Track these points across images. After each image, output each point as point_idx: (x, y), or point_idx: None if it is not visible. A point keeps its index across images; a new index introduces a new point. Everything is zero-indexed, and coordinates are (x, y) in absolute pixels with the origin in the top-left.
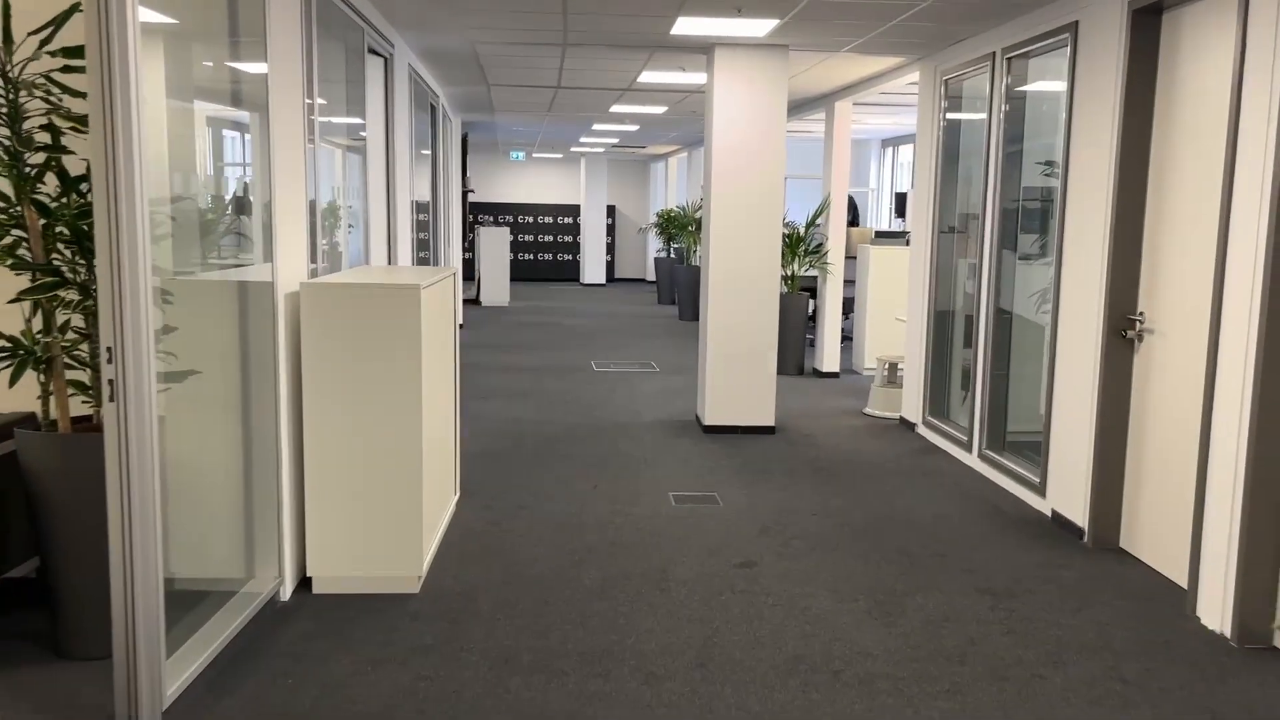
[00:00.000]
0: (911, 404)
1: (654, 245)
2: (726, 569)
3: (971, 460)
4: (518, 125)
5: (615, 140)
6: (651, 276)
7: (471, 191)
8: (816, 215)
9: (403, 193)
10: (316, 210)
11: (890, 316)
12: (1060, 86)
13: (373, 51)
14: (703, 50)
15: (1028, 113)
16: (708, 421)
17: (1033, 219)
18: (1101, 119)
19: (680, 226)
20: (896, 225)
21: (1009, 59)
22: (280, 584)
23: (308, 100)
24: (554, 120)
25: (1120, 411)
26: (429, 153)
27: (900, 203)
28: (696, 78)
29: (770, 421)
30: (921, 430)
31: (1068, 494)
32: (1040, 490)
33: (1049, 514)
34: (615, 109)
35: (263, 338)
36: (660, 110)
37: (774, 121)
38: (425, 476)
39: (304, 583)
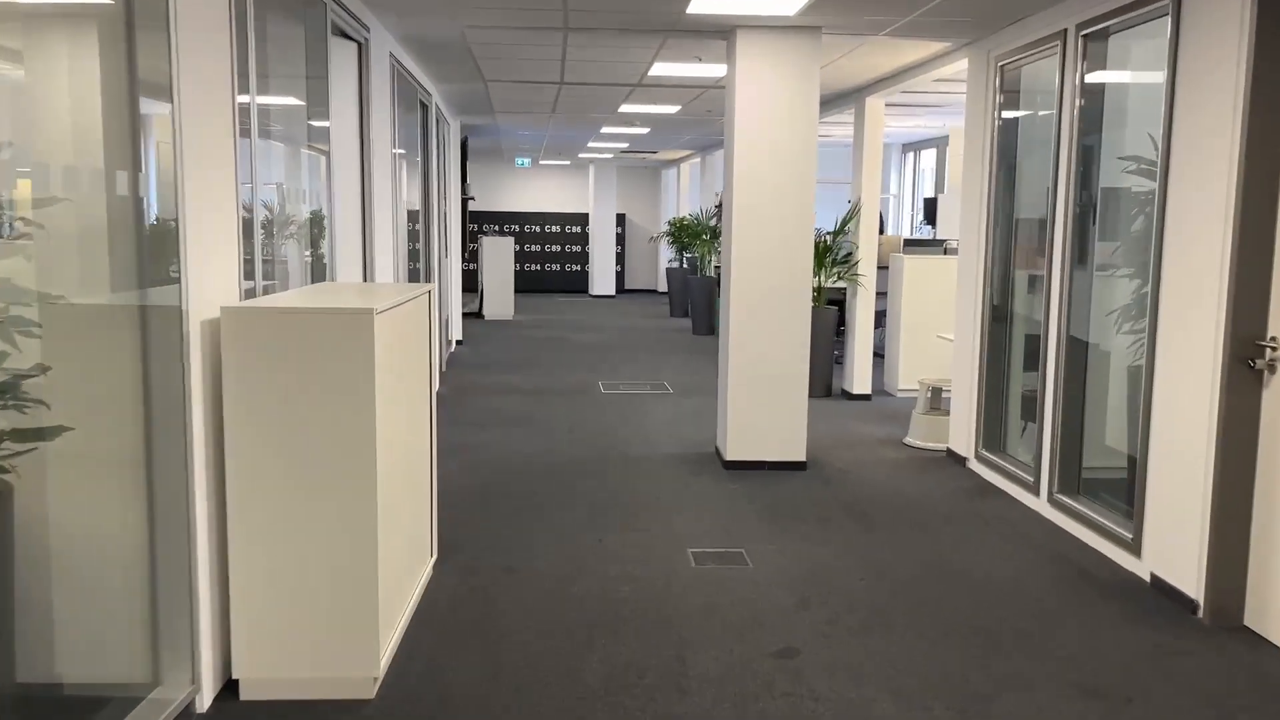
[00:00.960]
0: (961, 435)
1: (665, 255)
2: (760, 658)
3: (1039, 505)
4: (522, 129)
5: (625, 145)
6: (663, 288)
7: (472, 199)
8: (846, 221)
9: (382, 199)
10: (257, 217)
11: (926, 332)
12: (1153, 68)
13: (342, 34)
14: (722, 35)
15: (1107, 100)
16: (730, 456)
17: (1113, 224)
18: (1217, 106)
19: (694, 235)
20: (924, 233)
21: (1085, 36)
22: (197, 690)
23: (238, 85)
24: (559, 123)
25: (1246, 456)
26: (420, 156)
27: (929, 209)
28: (714, 70)
29: (801, 456)
30: (974, 466)
31: (1172, 555)
32: (1133, 548)
33: (1147, 578)
34: (624, 108)
35: (170, 377)
36: (673, 110)
37: (805, 116)
38: (385, 546)
39: (229, 686)
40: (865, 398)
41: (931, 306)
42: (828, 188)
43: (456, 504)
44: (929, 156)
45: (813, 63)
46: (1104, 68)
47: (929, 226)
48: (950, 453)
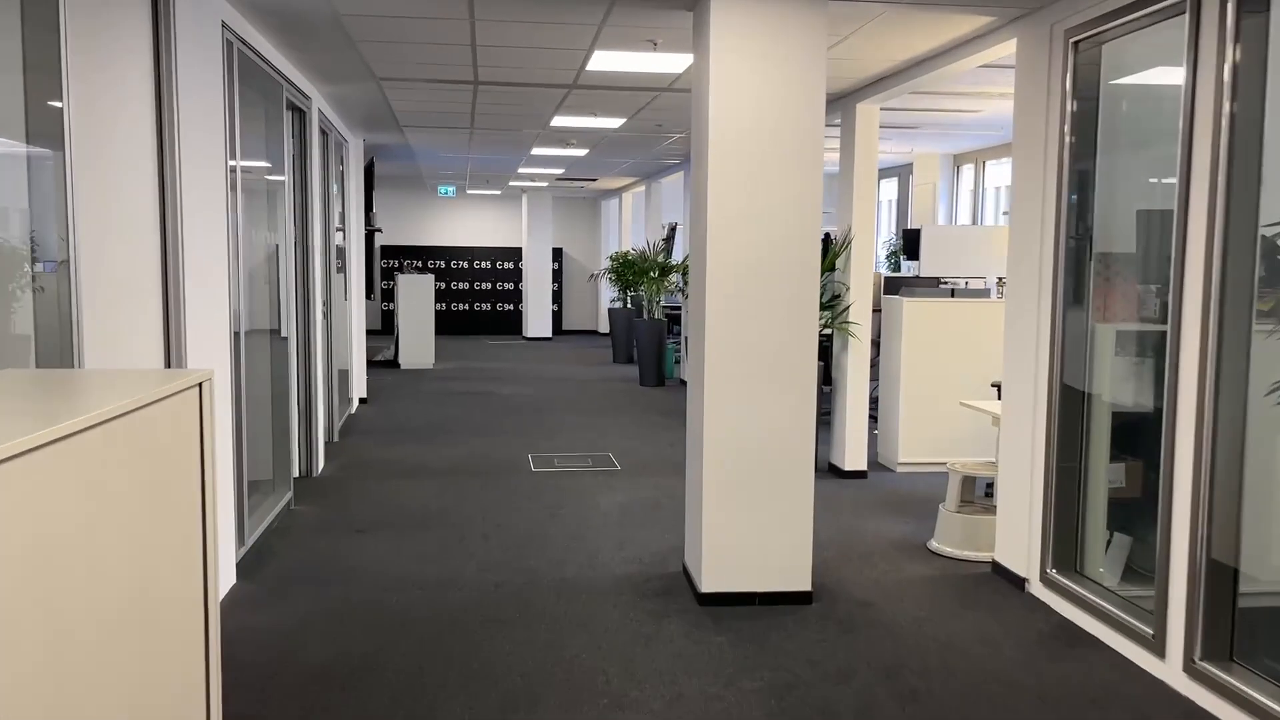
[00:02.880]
0: (1015, 545)
1: (608, 294)
2: None
3: (1166, 671)
4: (441, 151)
5: (560, 170)
6: (605, 329)
7: (378, 231)
8: (835, 255)
9: (208, 228)
10: None
11: (933, 393)
12: None
13: None
14: (688, 3)
15: (1272, 81)
16: (706, 586)
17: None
18: None
19: (640, 273)
20: (906, 269)
21: None
22: None
23: None
24: (483, 144)
25: None
26: (293, 175)
27: (910, 242)
28: (672, 62)
29: (806, 584)
30: (1040, 592)
31: None
32: None
33: None
34: (558, 120)
35: None
36: (616, 124)
37: (806, 116)
38: None
39: None
40: (860, 475)
41: (939, 361)
42: None
43: (284, 697)
44: (889, 187)
45: (817, 41)
46: (1264, 40)
47: (911, 262)
48: (998, 568)
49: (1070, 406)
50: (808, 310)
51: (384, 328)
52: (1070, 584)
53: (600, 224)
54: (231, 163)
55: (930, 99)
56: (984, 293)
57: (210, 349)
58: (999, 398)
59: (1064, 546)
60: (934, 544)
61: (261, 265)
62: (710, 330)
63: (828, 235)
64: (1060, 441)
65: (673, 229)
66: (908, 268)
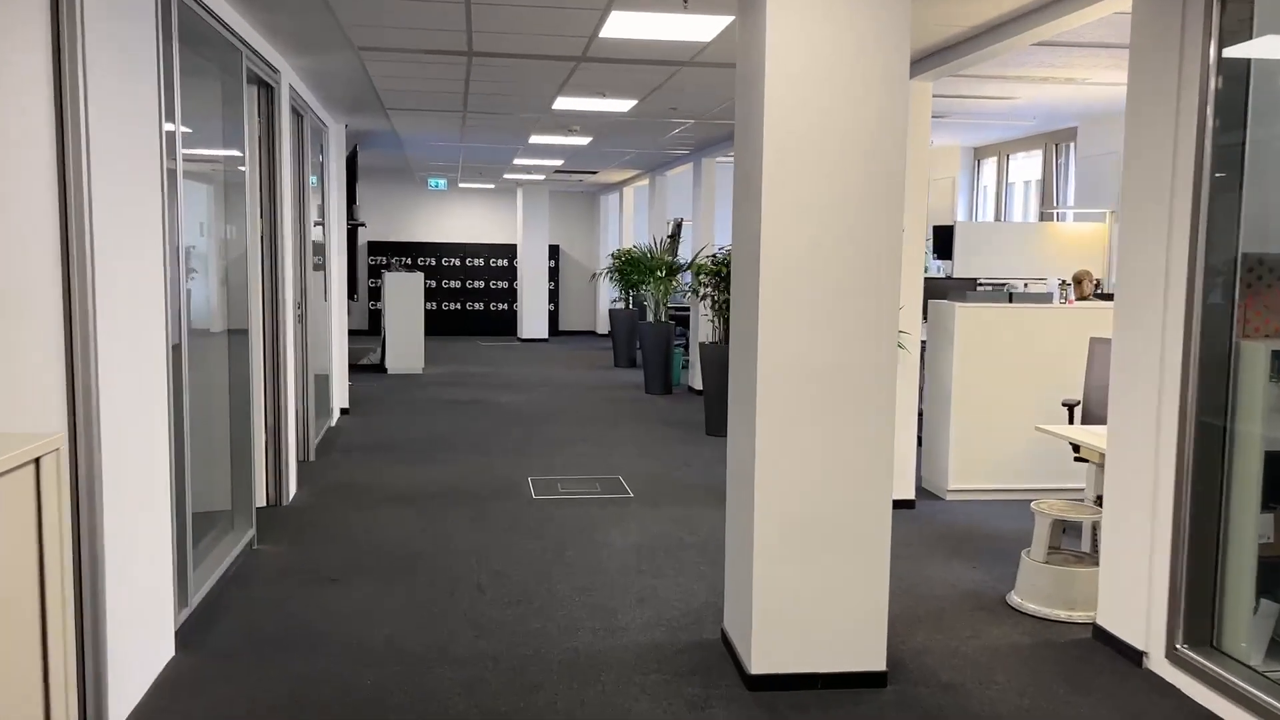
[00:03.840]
0: (1127, 608)
1: (607, 293)
2: None
3: None
4: (431, 139)
5: (560, 162)
6: (603, 329)
7: (362, 225)
8: None
9: (111, 219)
10: None
11: (990, 412)
12: None
13: None
14: None
15: None
16: (758, 666)
17: None
18: None
19: (646, 272)
20: (933, 269)
21: None
22: None
23: None
24: (476, 130)
25: None
26: (259, 159)
27: (942, 240)
28: (701, 27)
29: (880, 662)
30: (1165, 670)
31: None
32: None
33: None
34: (561, 103)
35: None
36: (627, 106)
37: (888, 81)
38: None
39: None
40: (908, 505)
41: (997, 375)
42: None
43: None
44: None
45: None
46: None
47: (940, 262)
48: (1103, 634)
49: (1207, 442)
50: (886, 321)
51: (371, 328)
52: (1208, 663)
53: (599, 220)
54: (173, 145)
55: (972, 84)
56: (1046, 297)
57: (134, 367)
58: (1070, 420)
59: (1198, 615)
60: (1015, 599)
61: (220, 262)
62: (764, 346)
63: None
64: (1194, 485)
65: (678, 225)
66: (936, 267)
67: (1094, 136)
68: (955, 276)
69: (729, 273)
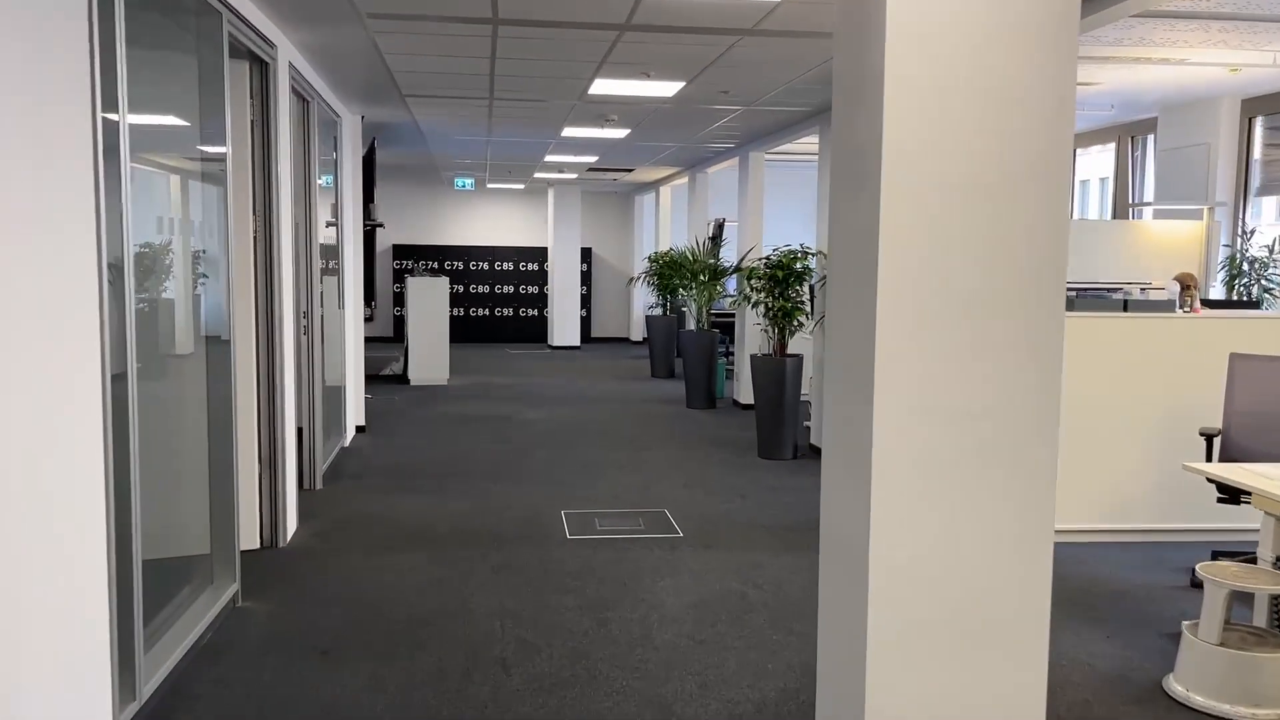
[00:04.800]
0: None
1: (642, 299)
2: None
3: None
4: (454, 133)
5: (594, 159)
6: (637, 335)
7: (380, 226)
8: None
9: (10, 225)
10: None
11: (1098, 438)
12: None
13: None
14: None
15: None
16: None
17: None
18: None
19: (689, 275)
20: None
21: None
22: None
23: None
24: (504, 123)
25: None
26: (250, 147)
27: None
28: None
29: None
30: None
31: None
32: None
33: None
34: (599, 86)
35: None
36: (671, 90)
37: (1049, 33)
38: None
39: None
40: None
41: (1113, 399)
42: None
43: None
44: None
45: None
46: None
47: None
48: None
49: None
50: (1048, 348)
51: (396, 335)
52: None
53: (633, 222)
54: (115, 134)
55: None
56: (1167, 305)
57: (49, 409)
58: (1208, 455)
59: None
60: (1178, 687)
61: (189, 268)
62: (883, 380)
63: None
64: None
65: (720, 225)
66: None
67: (1176, 127)
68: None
69: (785, 276)
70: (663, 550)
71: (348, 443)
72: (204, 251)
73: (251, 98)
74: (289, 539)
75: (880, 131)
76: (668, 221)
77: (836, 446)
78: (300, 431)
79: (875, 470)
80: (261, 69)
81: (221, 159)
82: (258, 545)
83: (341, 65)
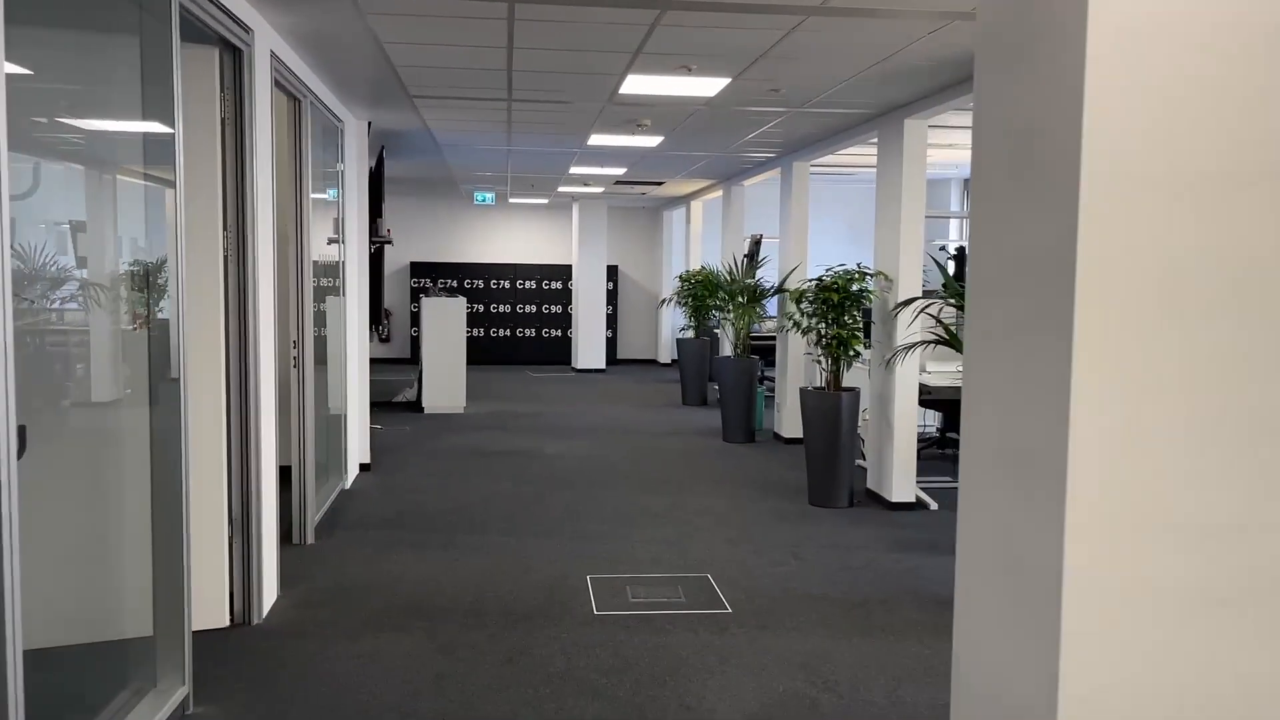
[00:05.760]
0: None
1: (671, 320)
2: None
3: None
4: (474, 141)
5: (622, 170)
6: (665, 358)
7: (388, 243)
8: None
9: None
10: None
11: None
12: None
13: None
14: None
15: None
16: None
17: None
18: None
19: (729, 296)
20: None
21: None
22: None
23: None
24: (526, 129)
25: None
26: (219, 143)
27: None
28: None
29: None
30: None
31: None
32: None
33: None
34: (631, 84)
35: None
36: (714, 89)
37: None
38: None
39: None
40: None
41: None
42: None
43: None
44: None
45: None
46: None
47: None
48: None
49: None
50: None
51: (414, 356)
52: None
53: (662, 238)
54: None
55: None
56: None
57: None
58: None
59: None
60: None
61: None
62: (1082, 476)
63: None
64: None
65: (757, 242)
66: None
67: None
68: None
69: (842, 300)
70: (709, 632)
71: (349, 484)
72: (148, 271)
73: (223, 90)
74: (265, 613)
75: (1079, 99)
76: (698, 238)
77: (986, 569)
78: (289, 475)
79: (1067, 615)
80: (235, 57)
81: (169, 160)
82: (227, 622)
83: (337, 58)
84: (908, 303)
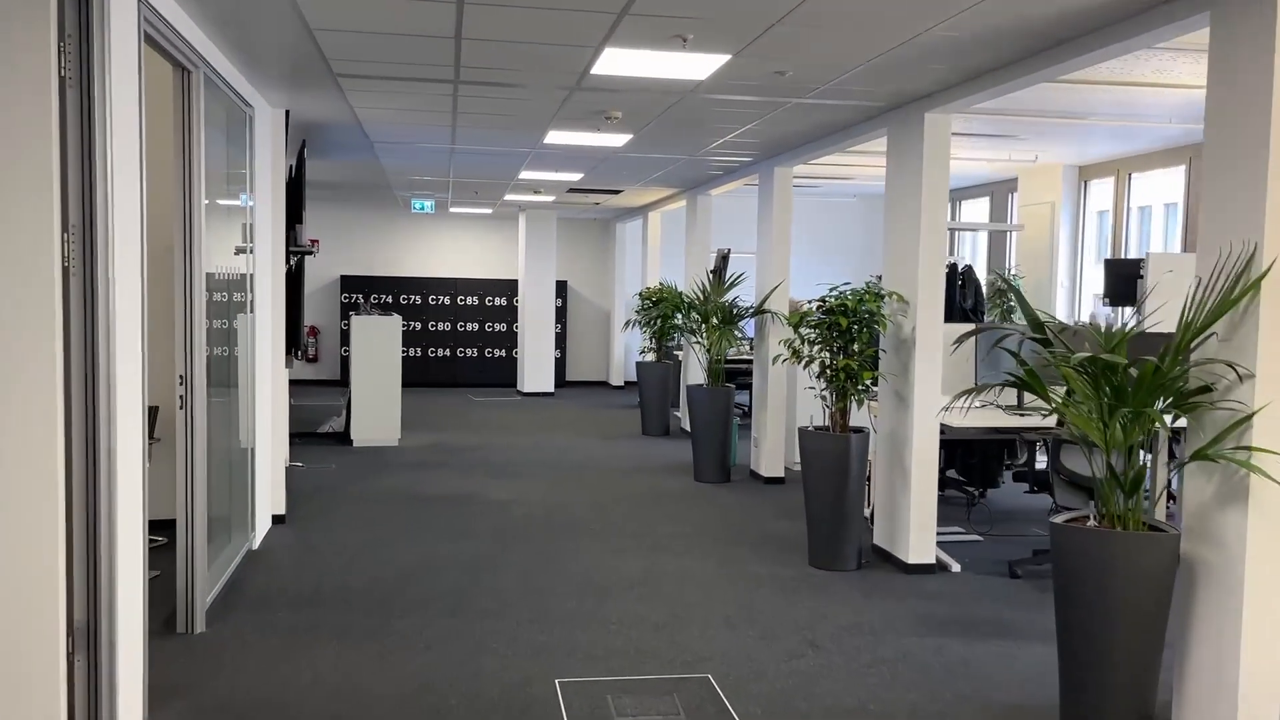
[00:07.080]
0: None
1: (624, 339)
2: None
3: None
4: (412, 137)
5: (578, 176)
6: (617, 380)
7: (309, 253)
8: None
9: None
10: None
11: None
12: None
13: None
14: None
15: None
16: None
17: None
18: None
19: (701, 317)
20: (1103, 314)
21: None
22: None
23: None
24: (473, 122)
25: None
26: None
27: (1120, 280)
28: None
29: None
30: None
31: None
32: None
33: None
34: (608, 61)
35: None
36: (711, 67)
37: None
38: None
39: None
40: None
41: None
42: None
43: None
44: (977, 208)
45: None
46: None
47: (1116, 307)
48: None
49: None
50: None
51: (344, 378)
52: None
53: (614, 252)
54: None
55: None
56: None
57: None
58: None
59: None
60: None
61: None
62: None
63: (965, 270)
64: None
65: (725, 257)
66: (1104, 313)
67: None
68: (1151, 331)
69: (851, 325)
70: None
71: (257, 543)
72: None
73: (63, 39)
74: None
75: None
76: (657, 252)
77: None
78: (176, 541)
79: None
80: (80, 4)
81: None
82: None
83: (237, 18)
84: (969, 335)
